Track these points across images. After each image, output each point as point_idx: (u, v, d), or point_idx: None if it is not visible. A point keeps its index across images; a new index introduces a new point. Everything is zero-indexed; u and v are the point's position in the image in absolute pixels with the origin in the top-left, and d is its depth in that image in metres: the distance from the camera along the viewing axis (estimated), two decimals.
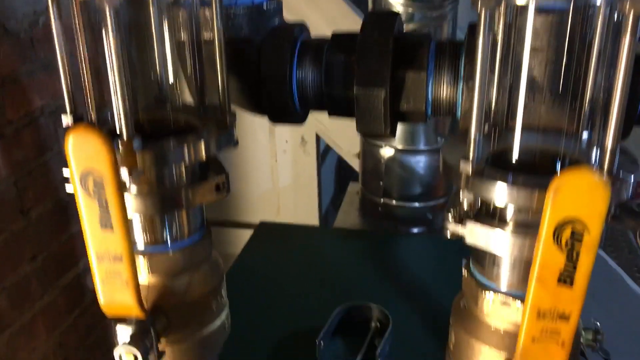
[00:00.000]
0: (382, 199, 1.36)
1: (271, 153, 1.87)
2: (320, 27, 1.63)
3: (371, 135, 0.68)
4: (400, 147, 1.28)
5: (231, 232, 1.94)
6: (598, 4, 0.41)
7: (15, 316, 1.30)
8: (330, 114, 0.71)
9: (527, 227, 0.49)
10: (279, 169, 1.88)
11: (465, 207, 0.50)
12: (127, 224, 0.50)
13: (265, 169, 1.90)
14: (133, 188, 0.55)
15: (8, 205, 1.25)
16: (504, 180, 0.45)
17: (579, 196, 0.40)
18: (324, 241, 1.31)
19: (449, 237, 0.52)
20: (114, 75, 0.49)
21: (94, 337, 1.56)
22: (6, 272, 1.26)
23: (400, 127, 1.29)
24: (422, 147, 1.29)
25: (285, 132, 1.83)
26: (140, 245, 0.58)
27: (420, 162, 1.31)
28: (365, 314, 1.04)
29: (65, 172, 0.52)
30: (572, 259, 0.42)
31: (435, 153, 1.30)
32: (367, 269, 1.19)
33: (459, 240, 0.53)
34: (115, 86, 0.49)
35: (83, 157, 0.47)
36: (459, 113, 0.67)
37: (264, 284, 1.17)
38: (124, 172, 0.51)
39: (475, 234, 0.50)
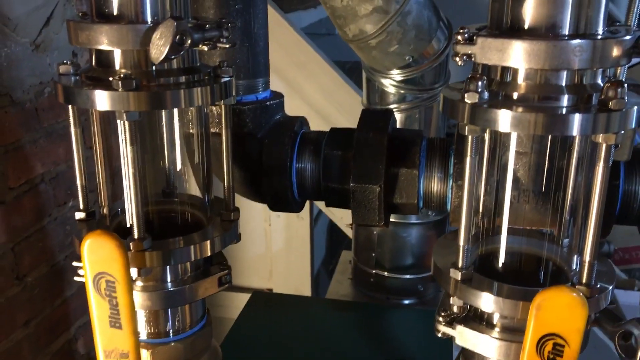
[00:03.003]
0: (374, 270, 1.39)
1: (265, 217, 1.90)
2: (315, 97, 1.70)
3: (366, 225, 0.72)
4: (392, 220, 1.32)
5: (223, 296, 1.94)
6: (574, 133, 0.46)
7: None
8: (327, 204, 0.75)
9: (513, 332, 0.52)
10: (273, 232, 1.91)
11: (455, 310, 0.53)
12: (136, 324, 0.52)
13: (259, 233, 1.92)
14: (139, 284, 0.58)
15: (4, 271, 1.27)
16: (490, 291, 0.49)
17: (559, 313, 0.43)
18: (316, 312, 1.32)
19: (439, 336, 0.55)
20: (129, 182, 0.52)
21: None
22: None
23: None
24: (413, 220, 1.33)
25: None
26: (144, 336, 0.61)
27: (412, 235, 1.34)
28: None
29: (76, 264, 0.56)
30: None
31: (426, 226, 1.34)
32: (359, 341, 1.21)
33: None
34: (130, 192, 0.53)
35: (98, 260, 0.50)
36: (448, 207, 0.71)
37: (256, 355, 1.18)
38: (133, 271, 0.54)
39: (464, 336, 0.53)
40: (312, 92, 1.69)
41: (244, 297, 1.39)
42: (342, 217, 1.72)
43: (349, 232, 1.67)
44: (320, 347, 1.19)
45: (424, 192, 0.70)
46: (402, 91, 1.22)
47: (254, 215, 1.90)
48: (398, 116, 1.23)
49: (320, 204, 1.78)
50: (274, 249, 1.93)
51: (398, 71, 1.18)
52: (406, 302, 1.38)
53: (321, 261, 2.24)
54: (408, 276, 1.37)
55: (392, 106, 1.21)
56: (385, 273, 1.37)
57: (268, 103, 0.75)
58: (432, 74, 1.20)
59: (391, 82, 1.20)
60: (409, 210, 0.71)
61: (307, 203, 1.88)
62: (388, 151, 0.69)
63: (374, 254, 1.37)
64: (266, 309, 1.32)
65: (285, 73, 1.67)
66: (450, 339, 0.55)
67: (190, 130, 0.69)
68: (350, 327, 1.26)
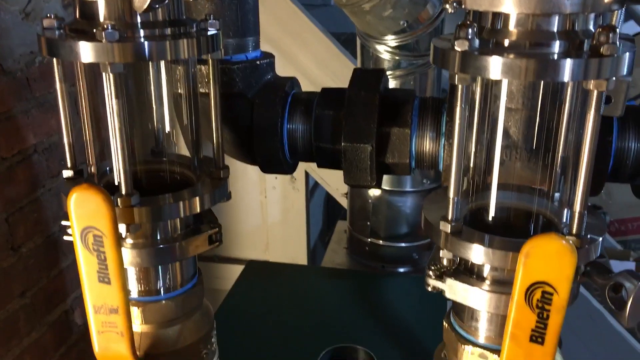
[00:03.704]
0: (369, 239, 1.39)
1: (261, 189, 1.90)
2: (310, 67, 1.68)
3: (357, 186, 0.71)
4: (387, 188, 1.32)
5: (220, 267, 1.95)
6: (565, 79, 0.45)
7: (2, 354, 1.30)
8: (318, 165, 0.74)
9: (503, 284, 0.52)
10: (268, 204, 1.90)
11: (445, 263, 0.53)
12: (124, 278, 0.52)
13: (254, 205, 1.92)
14: (129, 241, 0.57)
15: None
16: (481, 242, 0.49)
17: (548, 261, 0.43)
18: (311, 280, 1.33)
19: (429, 290, 0.55)
20: (115, 137, 0.52)
21: None
22: None
23: None
24: (408, 188, 1.32)
25: None
26: (134, 294, 0.61)
27: (406, 203, 1.34)
28: (351, 356, 1.06)
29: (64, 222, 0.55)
30: (542, 319, 0.45)
31: (421, 194, 1.34)
32: (354, 308, 1.21)
33: None
34: (116, 146, 0.52)
35: (85, 214, 0.49)
36: (441, 166, 0.71)
37: (251, 324, 1.18)
38: (122, 227, 0.54)
39: (454, 289, 0.53)
40: (307, 62, 1.67)
41: (240, 269, 1.39)
42: (338, 188, 1.71)
43: (345, 203, 1.67)
44: (315, 314, 1.19)
45: (416, 152, 0.70)
46: (396, 57, 1.20)
47: (249, 187, 1.90)
48: (392, 83, 1.22)
49: (316, 175, 1.78)
50: (270, 221, 1.93)
51: (392, 37, 1.17)
52: (401, 270, 1.39)
53: (318, 234, 2.24)
54: (403, 244, 1.37)
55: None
56: (381, 242, 1.38)
57: (258, 62, 0.74)
58: (427, 39, 1.18)
59: (386, 48, 1.19)
60: (401, 170, 0.71)
61: (303, 175, 1.88)
62: (380, 110, 0.68)
63: (369, 223, 1.37)
64: (261, 277, 1.32)
65: (280, 43, 1.65)
66: (442, 294, 0.55)
67: (179, 91, 0.68)
68: (345, 295, 1.26)
